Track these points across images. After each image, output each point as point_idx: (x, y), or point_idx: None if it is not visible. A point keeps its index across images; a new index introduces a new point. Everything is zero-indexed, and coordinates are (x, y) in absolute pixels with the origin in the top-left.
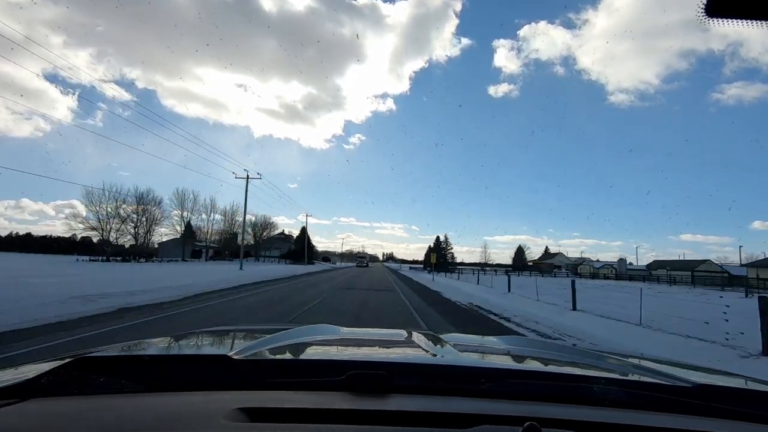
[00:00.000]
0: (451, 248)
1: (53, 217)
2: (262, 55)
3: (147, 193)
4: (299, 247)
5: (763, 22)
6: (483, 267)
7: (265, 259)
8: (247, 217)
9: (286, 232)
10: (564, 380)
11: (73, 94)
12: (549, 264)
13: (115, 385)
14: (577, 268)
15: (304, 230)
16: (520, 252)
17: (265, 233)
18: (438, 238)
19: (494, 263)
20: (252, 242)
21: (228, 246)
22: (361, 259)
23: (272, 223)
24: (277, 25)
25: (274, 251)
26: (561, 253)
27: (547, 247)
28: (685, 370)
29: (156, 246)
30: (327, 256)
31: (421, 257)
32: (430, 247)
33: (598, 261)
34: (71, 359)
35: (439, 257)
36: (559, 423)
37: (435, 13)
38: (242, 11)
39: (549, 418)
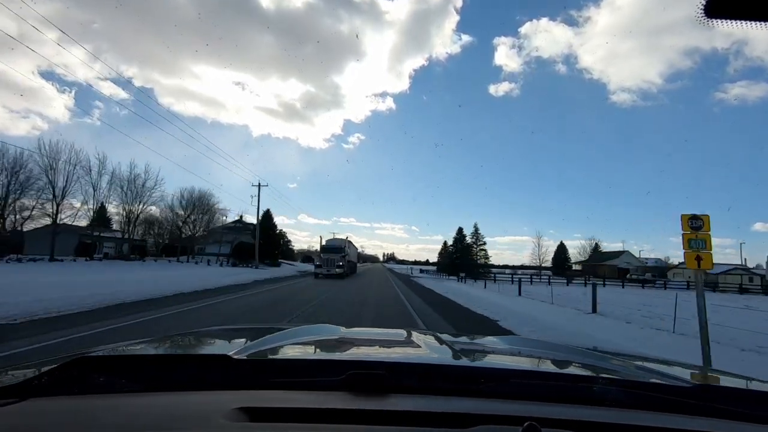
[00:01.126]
0: (483, 244)
1: None
2: (261, 53)
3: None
4: (261, 240)
5: (763, 23)
6: (515, 270)
7: (194, 258)
8: (169, 191)
9: (245, 220)
10: (564, 380)
11: (70, 91)
12: (609, 267)
13: (115, 385)
14: (666, 273)
15: (268, 215)
16: (561, 251)
17: (192, 216)
18: (460, 230)
19: (519, 264)
20: (182, 233)
21: (174, 238)
22: (329, 256)
23: (213, 204)
24: (276, 23)
25: (214, 246)
26: (628, 252)
27: (596, 243)
28: (684, 370)
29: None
30: (310, 255)
31: (421, 257)
32: (445, 243)
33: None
34: (71, 359)
35: (456, 257)
36: (559, 423)
37: (435, 9)
38: (240, 9)
39: (549, 418)
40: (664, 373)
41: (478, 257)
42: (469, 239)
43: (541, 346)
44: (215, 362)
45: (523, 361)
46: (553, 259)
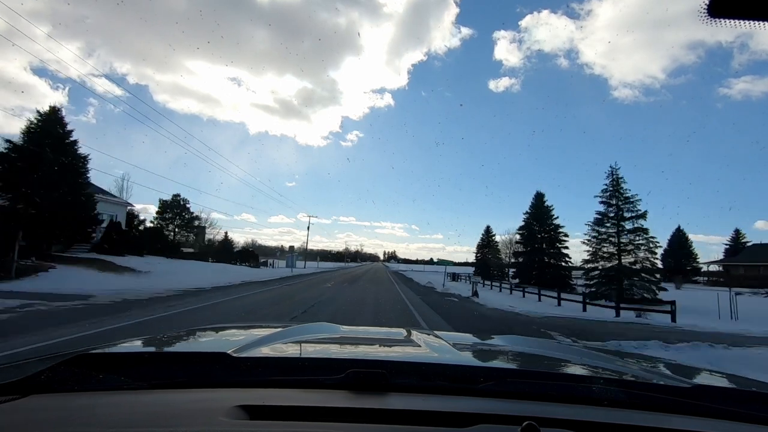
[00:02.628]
0: (639, 216)
1: None
2: (257, 48)
3: None
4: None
5: (766, 22)
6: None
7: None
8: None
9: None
10: (563, 380)
11: (64, 88)
12: None
13: (116, 382)
14: None
15: (52, 120)
16: (679, 244)
17: None
18: (540, 197)
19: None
20: None
21: None
22: None
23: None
24: (272, 17)
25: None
26: None
27: (737, 229)
28: (683, 370)
29: None
30: (253, 252)
31: (422, 256)
32: (488, 230)
33: None
34: (72, 356)
35: (533, 250)
36: (558, 422)
37: (434, 1)
38: (237, 4)
39: (548, 418)
40: (664, 373)
41: (630, 248)
42: (610, 213)
43: (541, 345)
44: (215, 360)
45: (522, 360)
46: (664, 257)
